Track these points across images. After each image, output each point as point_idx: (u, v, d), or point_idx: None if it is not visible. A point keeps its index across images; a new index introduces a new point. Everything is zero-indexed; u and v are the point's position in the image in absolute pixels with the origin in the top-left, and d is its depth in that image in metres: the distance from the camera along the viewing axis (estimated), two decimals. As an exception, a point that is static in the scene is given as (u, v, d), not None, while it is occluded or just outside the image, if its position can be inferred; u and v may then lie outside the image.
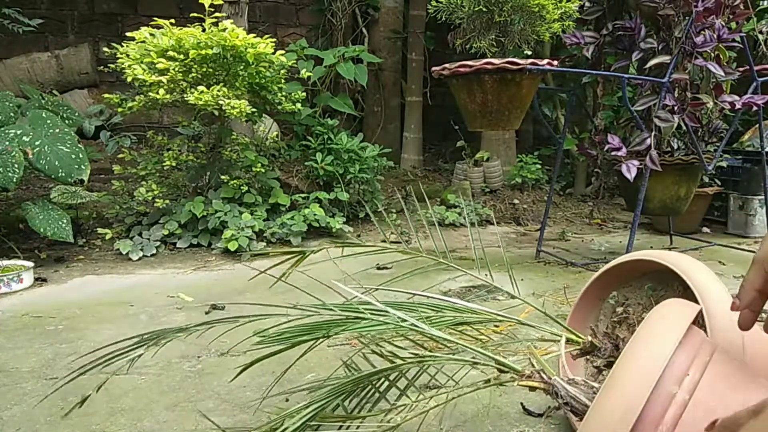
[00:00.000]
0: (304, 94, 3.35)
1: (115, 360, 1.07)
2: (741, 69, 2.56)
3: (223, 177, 3.05)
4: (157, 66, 2.71)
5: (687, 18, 2.36)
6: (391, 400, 1.14)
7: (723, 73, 2.39)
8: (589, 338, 1.03)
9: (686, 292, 1.09)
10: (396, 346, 1.20)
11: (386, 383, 1.14)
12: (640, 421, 0.59)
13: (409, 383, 1.13)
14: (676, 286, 1.12)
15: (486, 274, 1.21)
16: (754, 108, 2.50)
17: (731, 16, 2.48)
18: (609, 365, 1.00)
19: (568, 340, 1.04)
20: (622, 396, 0.60)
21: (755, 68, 2.61)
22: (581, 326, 1.24)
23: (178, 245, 2.97)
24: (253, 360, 1.05)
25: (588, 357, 1.04)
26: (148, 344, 1.10)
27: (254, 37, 2.85)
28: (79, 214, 3.11)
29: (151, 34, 2.81)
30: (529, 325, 1.06)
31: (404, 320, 0.94)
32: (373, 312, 1.00)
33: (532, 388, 0.89)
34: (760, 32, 3.63)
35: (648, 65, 2.40)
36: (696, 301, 0.95)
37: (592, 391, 0.79)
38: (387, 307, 0.98)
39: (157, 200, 2.97)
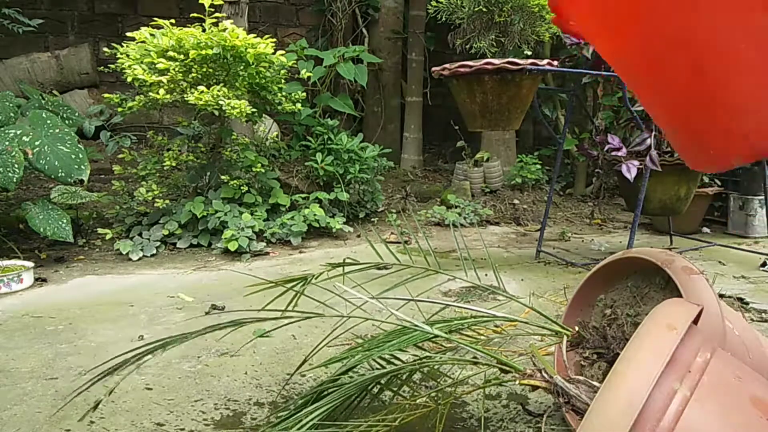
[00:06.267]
0: (304, 94, 3.35)
1: (122, 369, 1.07)
2: (741, 69, 2.56)
3: (223, 177, 3.04)
4: (157, 66, 2.71)
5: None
6: (391, 400, 1.14)
7: (723, 73, 2.39)
8: (577, 328, 1.05)
9: (668, 285, 1.09)
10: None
11: (388, 383, 1.14)
12: (642, 415, 0.59)
13: (413, 389, 1.13)
14: (658, 280, 1.13)
15: (486, 275, 1.20)
16: (754, 108, 2.49)
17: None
18: (598, 355, 1.01)
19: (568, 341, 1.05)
20: (624, 390, 0.61)
21: None
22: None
23: (178, 245, 2.97)
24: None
25: (577, 349, 1.05)
26: (154, 352, 1.10)
27: (254, 37, 2.85)
28: (79, 214, 3.11)
29: (151, 35, 2.81)
30: (526, 323, 1.06)
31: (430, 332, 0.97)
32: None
33: (533, 388, 0.89)
34: (760, 32, 3.63)
35: (648, 65, 2.40)
36: (678, 293, 0.96)
37: (593, 390, 0.79)
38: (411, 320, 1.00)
39: (157, 200, 2.96)
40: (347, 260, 1.33)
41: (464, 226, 3.66)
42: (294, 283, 1.27)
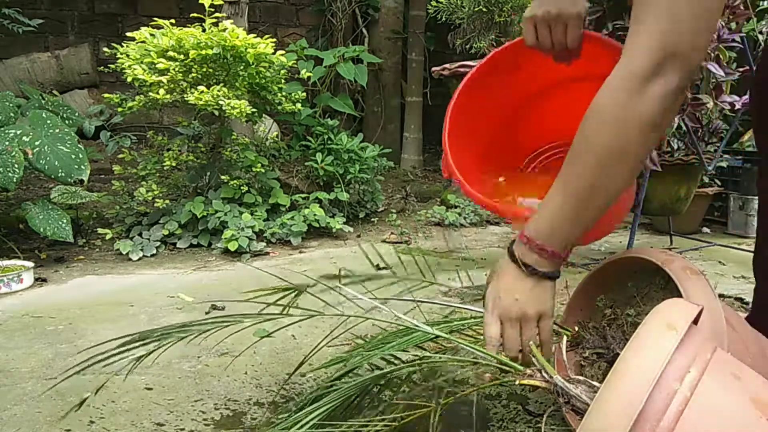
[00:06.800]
0: (304, 94, 3.35)
1: (115, 360, 1.07)
2: (741, 69, 2.56)
3: (223, 177, 3.04)
4: (157, 66, 2.71)
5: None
6: (391, 400, 1.14)
7: (723, 74, 2.39)
8: (577, 328, 1.05)
9: (668, 285, 1.09)
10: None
11: (388, 383, 1.14)
12: (641, 416, 0.60)
13: (412, 389, 1.13)
14: (658, 280, 1.14)
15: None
16: (754, 108, 2.49)
17: (731, 17, 2.48)
18: (598, 355, 1.01)
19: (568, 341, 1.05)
20: (624, 390, 0.61)
21: (755, 69, 2.61)
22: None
23: (178, 245, 2.97)
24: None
25: (577, 349, 1.05)
26: (149, 343, 1.10)
27: (254, 37, 2.85)
28: (79, 214, 3.11)
29: (151, 35, 2.81)
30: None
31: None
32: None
33: (533, 388, 0.89)
34: (760, 32, 3.63)
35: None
36: (678, 293, 0.96)
37: (593, 390, 0.79)
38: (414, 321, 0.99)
39: (157, 200, 2.96)
40: (346, 262, 1.33)
41: (464, 226, 3.66)
42: (287, 293, 1.27)
